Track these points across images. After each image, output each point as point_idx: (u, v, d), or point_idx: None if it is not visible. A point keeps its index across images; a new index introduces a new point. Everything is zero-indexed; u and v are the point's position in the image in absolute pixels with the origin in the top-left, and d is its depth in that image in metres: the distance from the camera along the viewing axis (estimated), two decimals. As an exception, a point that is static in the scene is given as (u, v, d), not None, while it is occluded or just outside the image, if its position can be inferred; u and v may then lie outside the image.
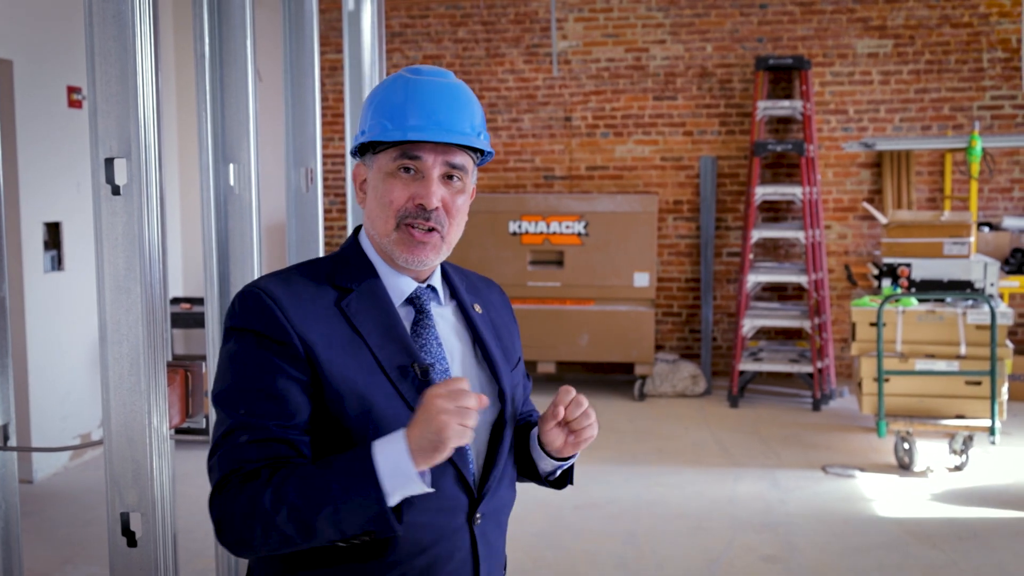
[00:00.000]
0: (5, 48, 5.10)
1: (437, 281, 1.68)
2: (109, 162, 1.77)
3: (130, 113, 1.77)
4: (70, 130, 5.49)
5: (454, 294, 1.70)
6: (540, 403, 2.39)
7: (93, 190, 1.78)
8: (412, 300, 1.63)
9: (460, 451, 1.54)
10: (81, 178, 5.55)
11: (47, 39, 5.38)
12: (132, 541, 1.79)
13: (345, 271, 1.61)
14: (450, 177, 1.58)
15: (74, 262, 5.55)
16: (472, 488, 1.58)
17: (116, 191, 1.77)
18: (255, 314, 1.51)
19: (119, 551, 1.81)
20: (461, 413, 1.39)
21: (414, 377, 1.54)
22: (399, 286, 1.62)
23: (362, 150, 1.62)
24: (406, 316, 1.62)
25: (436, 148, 1.55)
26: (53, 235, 5.46)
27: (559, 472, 1.73)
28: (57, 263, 5.48)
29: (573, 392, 1.60)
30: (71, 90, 5.54)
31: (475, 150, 1.61)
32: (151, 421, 1.79)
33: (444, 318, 1.67)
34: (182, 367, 1.98)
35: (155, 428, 1.79)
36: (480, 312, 1.71)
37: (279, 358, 1.48)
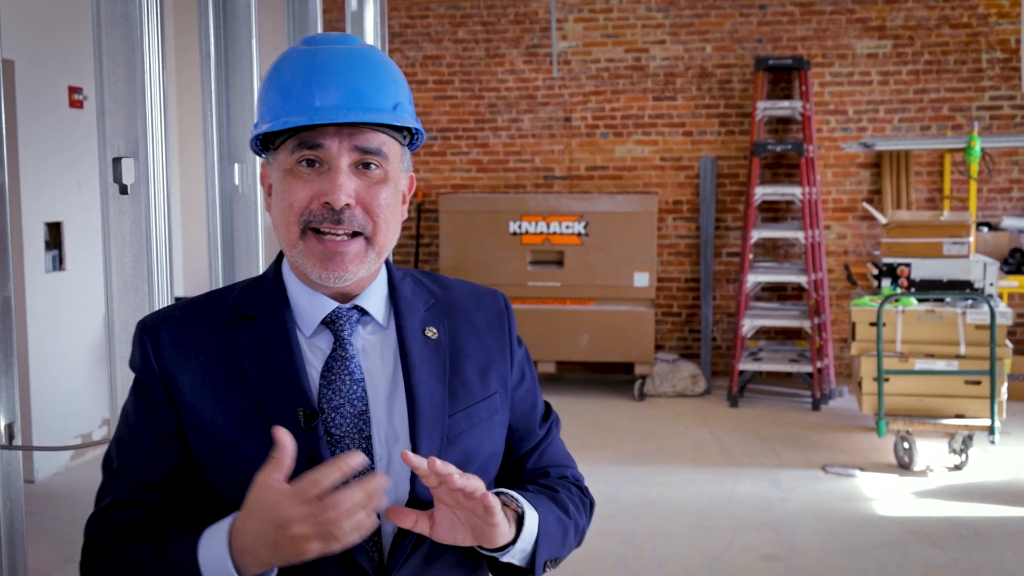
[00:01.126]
0: (6, 48, 5.11)
1: (373, 299, 1.36)
2: (117, 162, 1.78)
3: (137, 113, 1.78)
4: (71, 130, 5.50)
5: (397, 315, 1.37)
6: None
7: (101, 189, 1.79)
8: (328, 325, 1.34)
9: None
10: (82, 178, 5.56)
11: (48, 39, 5.39)
12: (139, 539, 1.80)
13: (251, 296, 1.35)
14: (365, 166, 1.28)
15: (75, 262, 5.56)
16: (370, 572, 1.26)
17: (124, 190, 1.78)
18: (135, 352, 1.34)
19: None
20: (329, 523, 1.11)
21: (297, 424, 1.25)
22: (311, 309, 1.33)
23: (265, 146, 1.32)
24: (321, 346, 1.33)
25: (341, 131, 1.25)
26: (54, 235, 5.47)
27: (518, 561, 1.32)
28: (58, 263, 5.49)
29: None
30: (72, 90, 5.55)
31: (397, 129, 1.30)
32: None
33: (377, 347, 1.35)
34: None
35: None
36: (434, 337, 1.37)
37: (147, 403, 1.31)
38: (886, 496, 5.02)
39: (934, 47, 7.60)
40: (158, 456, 1.30)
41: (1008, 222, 7.27)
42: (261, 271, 2.45)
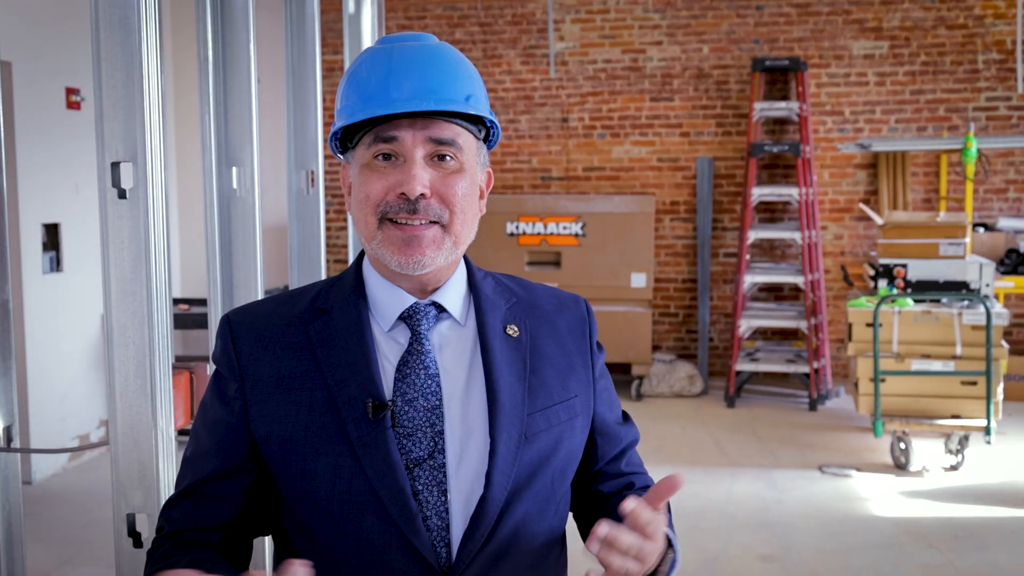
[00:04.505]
0: (4, 49, 5.11)
1: (451, 295, 1.36)
2: (115, 166, 1.79)
3: (136, 117, 1.79)
4: (69, 131, 5.50)
5: (478, 311, 1.37)
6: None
7: (99, 194, 1.80)
8: (406, 320, 1.34)
9: (408, 517, 1.25)
10: (80, 180, 5.56)
11: (46, 41, 5.39)
12: (138, 542, 1.81)
13: (331, 291, 1.37)
14: (441, 157, 1.28)
15: (73, 263, 5.56)
16: (439, 572, 1.26)
17: (122, 195, 1.78)
18: (217, 346, 1.37)
19: (125, 552, 1.83)
20: None
21: (366, 416, 1.26)
22: (390, 303, 1.33)
23: (344, 147, 1.35)
24: (399, 340, 1.33)
25: (415, 123, 1.26)
26: (52, 236, 5.47)
27: None
28: (56, 264, 5.49)
29: (644, 517, 1.18)
30: (70, 91, 5.55)
31: (471, 122, 1.31)
32: (157, 423, 1.81)
33: (454, 343, 1.35)
34: (186, 369, 2.00)
35: (161, 430, 1.81)
36: (515, 335, 1.36)
37: (220, 396, 1.33)
38: (882, 496, 5.03)
39: (930, 48, 7.61)
40: (221, 448, 1.32)
41: (1004, 223, 7.28)
42: (261, 272, 2.46)
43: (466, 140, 1.30)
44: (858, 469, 5.47)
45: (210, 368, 2.46)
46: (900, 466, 5.47)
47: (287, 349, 1.32)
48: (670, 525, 1.39)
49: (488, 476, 1.27)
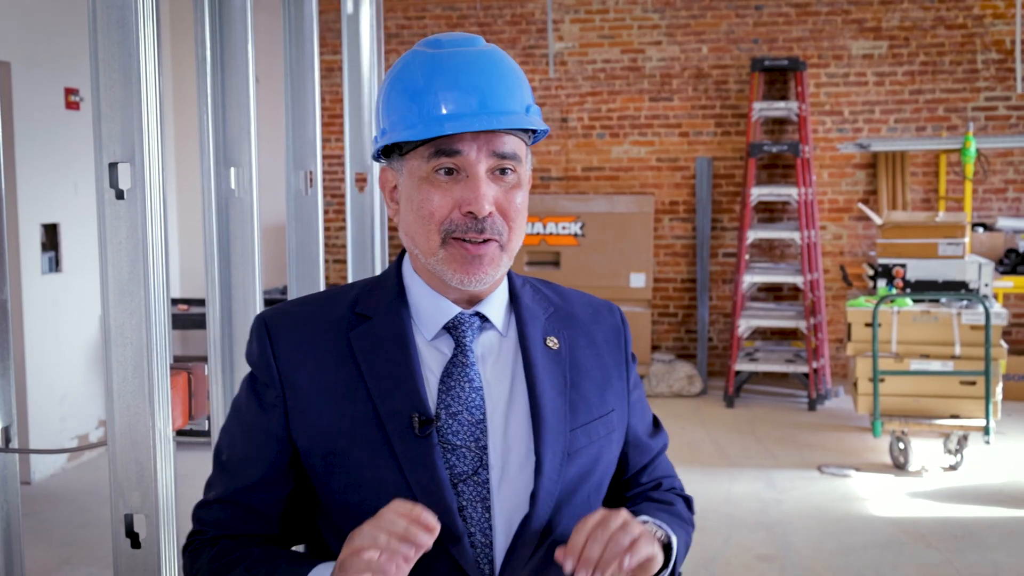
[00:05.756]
0: (3, 50, 5.11)
1: (495, 305, 1.34)
2: (113, 167, 1.79)
3: (133, 118, 1.79)
4: (68, 132, 5.50)
5: (519, 322, 1.35)
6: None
7: (97, 194, 1.80)
8: (450, 330, 1.31)
9: (453, 535, 1.23)
10: (79, 179, 5.56)
11: (45, 41, 5.39)
12: (136, 543, 1.81)
13: (371, 295, 1.33)
14: (502, 171, 1.25)
15: (72, 263, 5.56)
16: None
17: (120, 195, 1.78)
18: (252, 348, 1.33)
19: (123, 553, 1.83)
20: (386, 551, 1.10)
21: (411, 430, 1.23)
22: (434, 313, 1.30)
23: (386, 151, 1.31)
24: (442, 350, 1.31)
25: (478, 137, 1.22)
26: (51, 236, 5.47)
27: None
28: (55, 264, 5.49)
29: (591, 522, 1.18)
30: (68, 92, 5.55)
31: (525, 130, 1.28)
32: (155, 424, 1.81)
33: (496, 354, 1.33)
34: (184, 369, 2.00)
35: (159, 430, 1.81)
36: (555, 348, 1.34)
37: (259, 402, 1.30)
38: (881, 496, 5.03)
39: (929, 48, 7.62)
40: (261, 456, 1.29)
41: (1003, 222, 7.29)
42: (259, 273, 2.46)
43: (522, 150, 1.28)
44: (857, 469, 5.48)
45: (211, 366, 2.46)
46: (899, 466, 5.47)
47: (327, 356, 1.28)
48: (689, 524, 1.42)
49: (533, 495, 1.26)
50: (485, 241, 1.25)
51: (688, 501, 1.49)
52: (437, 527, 1.12)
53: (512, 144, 1.25)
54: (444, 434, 1.25)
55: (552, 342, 1.34)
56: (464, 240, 1.24)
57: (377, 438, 1.23)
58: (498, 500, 1.26)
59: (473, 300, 1.31)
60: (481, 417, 1.27)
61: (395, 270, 1.35)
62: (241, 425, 1.33)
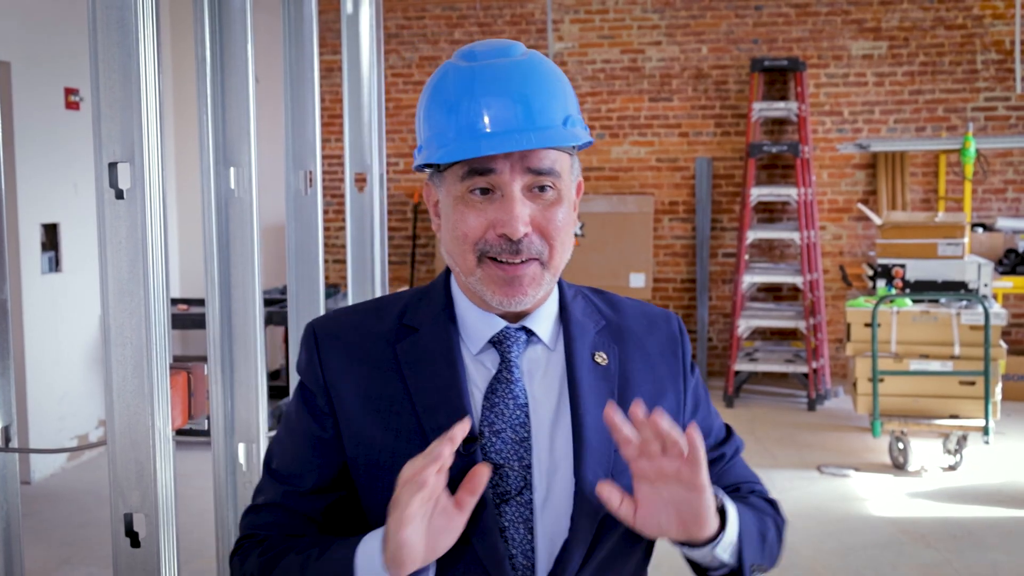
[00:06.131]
0: (3, 50, 5.11)
1: (543, 319, 1.30)
2: (112, 166, 1.79)
3: (133, 118, 1.79)
4: (67, 132, 5.51)
5: (567, 337, 1.30)
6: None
7: (96, 194, 1.80)
8: (495, 344, 1.28)
9: (495, 558, 1.20)
10: (79, 179, 5.57)
11: (45, 41, 5.39)
12: (135, 542, 1.82)
13: (419, 307, 1.31)
14: (540, 188, 1.21)
15: (71, 263, 5.57)
16: None
17: (119, 195, 1.79)
18: (301, 357, 1.33)
19: (122, 552, 1.83)
20: (408, 494, 1.10)
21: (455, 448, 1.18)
22: (480, 327, 1.28)
23: (429, 164, 1.27)
24: (487, 365, 1.28)
25: (511, 154, 1.18)
26: (50, 236, 5.47)
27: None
28: (55, 264, 5.49)
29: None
30: (68, 91, 5.55)
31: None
32: (154, 423, 1.81)
33: (543, 370, 1.29)
34: (184, 369, 2.00)
35: (158, 430, 1.81)
36: (604, 363, 1.30)
37: (309, 409, 1.29)
38: (880, 496, 5.04)
39: (929, 48, 7.62)
40: (313, 463, 1.28)
41: (1003, 223, 7.29)
42: (259, 272, 2.46)
43: (562, 163, 1.23)
44: (856, 469, 5.48)
45: (211, 365, 2.46)
46: (898, 466, 5.48)
47: (374, 367, 1.27)
48: (768, 516, 1.34)
49: (573, 519, 1.22)
50: (524, 261, 1.21)
51: (772, 504, 1.40)
52: (460, 431, 1.12)
53: (551, 159, 1.20)
54: (487, 452, 1.22)
55: (601, 357, 1.29)
56: (499, 260, 1.21)
57: (420, 453, 1.17)
58: (541, 522, 1.23)
59: (520, 314, 1.28)
60: (525, 435, 1.24)
61: (444, 281, 1.33)
62: (291, 432, 1.31)
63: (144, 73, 1.81)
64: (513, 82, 1.19)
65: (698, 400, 1.38)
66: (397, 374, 1.25)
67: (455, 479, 1.17)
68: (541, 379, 1.28)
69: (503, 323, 1.27)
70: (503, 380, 1.25)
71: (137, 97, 1.80)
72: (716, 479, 1.34)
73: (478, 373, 1.27)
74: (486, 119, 1.18)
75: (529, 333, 1.28)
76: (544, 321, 1.29)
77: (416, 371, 1.25)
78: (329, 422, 1.27)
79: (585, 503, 1.22)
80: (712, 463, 1.35)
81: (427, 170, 1.30)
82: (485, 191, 1.20)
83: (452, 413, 1.21)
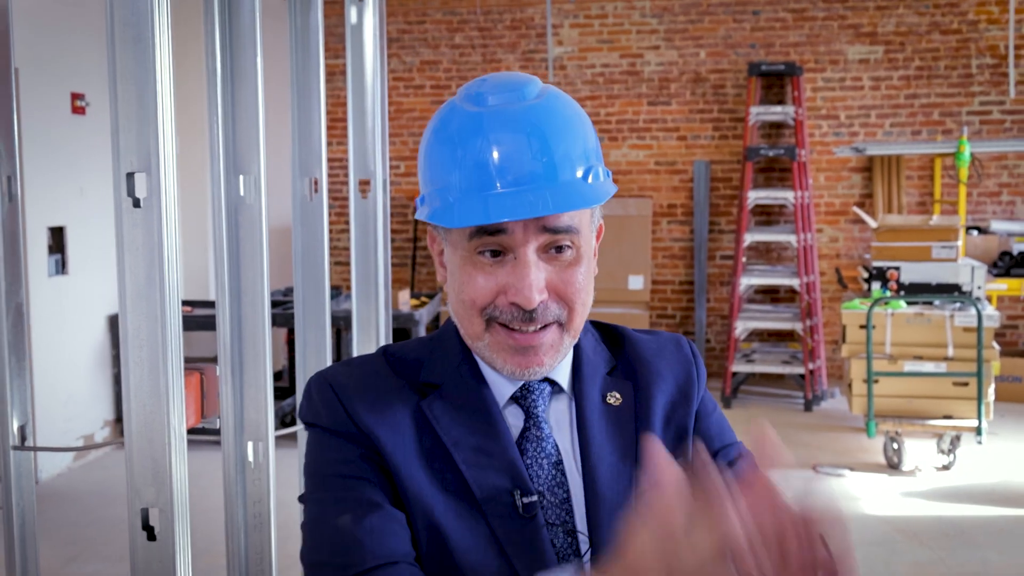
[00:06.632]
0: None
1: (563, 367, 1.18)
2: (130, 176, 1.87)
3: (149, 130, 1.87)
4: (74, 136, 5.58)
5: (577, 378, 1.19)
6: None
7: (115, 203, 1.88)
8: (517, 400, 1.16)
9: None
10: (85, 183, 5.64)
11: (51, 46, 5.47)
12: (151, 536, 1.90)
13: (435, 361, 1.18)
14: (557, 249, 1.08)
15: (78, 266, 5.64)
16: None
17: (136, 204, 1.87)
18: (317, 408, 1.16)
19: (139, 545, 1.91)
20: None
21: (512, 509, 1.08)
22: (500, 382, 1.16)
23: None
24: (512, 421, 1.16)
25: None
26: (57, 239, 5.55)
27: None
28: (61, 267, 5.57)
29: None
30: (75, 96, 5.63)
31: None
32: (170, 422, 1.89)
33: (564, 419, 1.18)
34: (197, 370, 2.08)
35: (173, 428, 1.90)
36: (617, 403, 1.18)
37: (360, 470, 1.11)
38: (874, 495, 5.11)
39: (925, 53, 7.70)
40: (393, 528, 1.08)
41: (997, 225, 7.37)
42: (266, 278, 2.54)
43: (583, 218, 1.10)
44: (851, 469, 5.56)
45: (222, 367, 2.54)
46: (893, 466, 5.55)
47: (403, 418, 1.12)
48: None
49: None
50: (543, 328, 1.09)
51: None
52: None
53: (569, 216, 1.07)
54: (537, 518, 1.09)
55: (614, 398, 1.18)
56: (511, 328, 1.09)
57: (468, 515, 1.08)
58: None
59: None
60: (564, 496, 1.12)
61: (455, 332, 1.19)
62: (340, 502, 1.09)
63: (160, 88, 1.89)
64: (527, 131, 1.05)
65: (710, 418, 1.26)
66: (429, 429, 1.12)
67: (519, 545, 1.07)
68: (564, 431, 1.17)
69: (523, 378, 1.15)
70: (532, 438, 1.14)
71: (153, 110, 1.88)
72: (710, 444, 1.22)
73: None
74: (496, 176, 1.04)
75: (552, 384, 1.18)
76: (563, 368, 1.19)
77: (450, 427, 1.12)
78: (380, 476, 1.10)
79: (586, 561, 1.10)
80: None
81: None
82: (495, 252, 1.08)
83: (503, 471, 1.10)
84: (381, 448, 1.10)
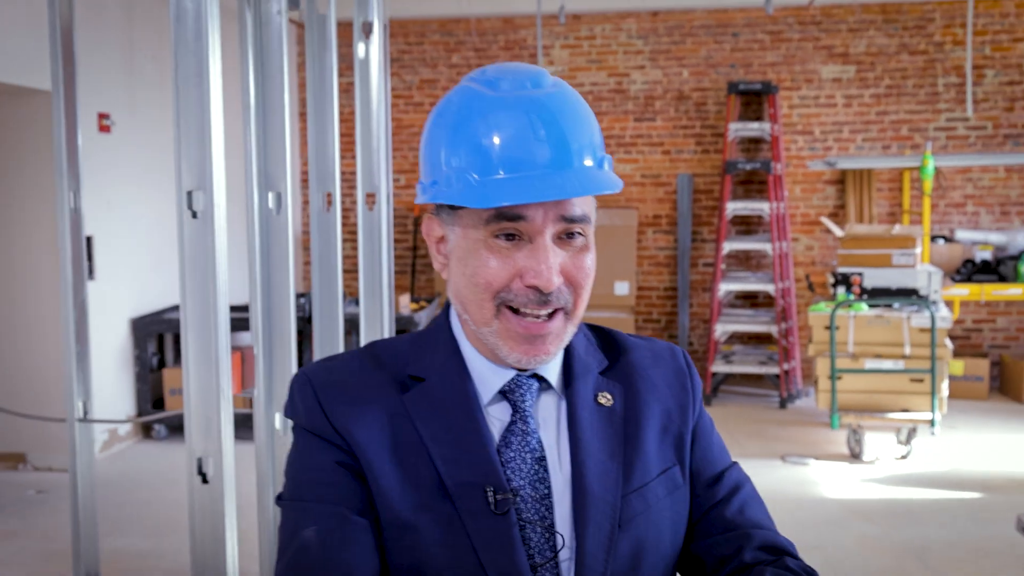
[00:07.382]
0: (43, 80, 5.66)
1: (553, 365, 1.20)
2: (190, 193, 2.35)
3: (205, 155, 2.35)
4: (101, 153, 6.06)
5: (568, 376, 1.20)
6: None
7: (177, 215, 2.36)
8: (506, 394, 1.17)
9: None
10: (111, 197, 6.11)
11: (80, 70, 5.94)
12: (204, 480, 2.37)
13: (421, 355, 1.18)
14: (569, 235, 1.12)
15: (104, 272, 6.11)
16: None
17: (195, 215, 2.35)
18: (296, 406, 1.18)
19: (195, 488, 2.39)
20: None
21: (487, 506, 1.09)
22: (489, 376, 1.17)
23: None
24: (498, 416, 1.16)
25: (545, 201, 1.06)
26: (86, 248, 6.01)
27: None
28: (89, 273, 6.04)
29: None
30: (101, 116, 6.11)
31: None
32: (220, 387, 2.37)
33: (552, 416, 1.18)
34: (239, 350, 2.56)
35: (223, 391, 2.38)
36: (608, 404, 1.19)
37: (328, 450, 1.14)
38: (834, 481, 5.59)
39: (894, 72, 8.20)
40: (355, 489, 1.12)
41: (961, 235, 7.87)
42: (292, 280, 3.03)
43: (592, 208, 1.16)
44: (816, 458, 6.03)
45: (256, 350, 3.02)
46: (855, 455, 6.02)
47: (382, 414, 1.14)
48: None
49: None
50: (551, 315, 1.12)
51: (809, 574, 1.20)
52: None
53: (583, 205, 1.12)
54: (510, 514, 1.10)
55: (605, 398, 1.20)
56: (522, 313, 1.11)
57: (441, 509, 1.10)
58: None
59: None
60: (546, 492, 1.13)
61: (445, 325, 1.21)
62: (305, 500, 1.13)
63: (213, 120, 2.37)
64: (548, 118, 1.08)
65: (696, 435, 1.27)
66: (409, 423, 1.13)
67: (490, 542, 1.09)
68: (551, 428, 1.17)
69: (512, 372, 1.17)
70: (517, 432, 1.15)
71: (208, 138, 2.36)
72: (708, 526, 1.24)
73: (492, 425, 1.16)
74: (517, 161, 1.06)
75: (541, 380, 1.19)
76: (555, 365, 1.20)
77: (430, 422, 1.13)
78: (356, 480, 1.12)
79: (590, 561, 1.11)
80: (701, 506, 1.25)
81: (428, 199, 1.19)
82: (511, 236, 1.09)
83: (478, 467, 1.11)
84: (356, 447, 1.12)
